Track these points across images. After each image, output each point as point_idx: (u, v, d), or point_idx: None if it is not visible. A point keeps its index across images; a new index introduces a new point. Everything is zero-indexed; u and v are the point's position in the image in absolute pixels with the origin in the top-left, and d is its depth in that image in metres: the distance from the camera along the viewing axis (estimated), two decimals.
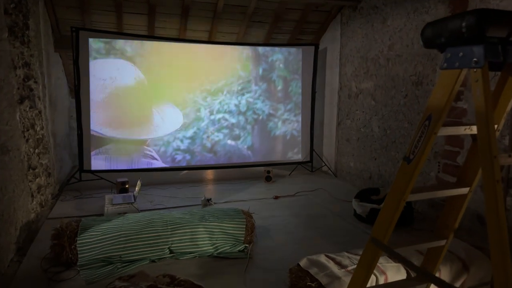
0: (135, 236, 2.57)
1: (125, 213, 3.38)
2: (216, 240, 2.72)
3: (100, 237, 2.53)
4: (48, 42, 4.18)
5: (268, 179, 4.79)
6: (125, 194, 3.79)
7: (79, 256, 2.45)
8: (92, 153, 4.43)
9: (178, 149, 4.82)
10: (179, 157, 4.83)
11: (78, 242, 2.47)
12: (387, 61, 4.09)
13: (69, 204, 3.83)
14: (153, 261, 2.56)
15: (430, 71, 3.51)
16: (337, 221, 3.42)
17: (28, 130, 3.23)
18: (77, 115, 4.28)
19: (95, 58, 4.31)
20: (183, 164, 4.87)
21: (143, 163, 4.64)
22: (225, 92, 4.91)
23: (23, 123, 3.09)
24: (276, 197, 4.11)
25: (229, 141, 5.05)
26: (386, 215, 1.22)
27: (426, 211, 3.57)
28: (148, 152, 4.65)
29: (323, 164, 5.41)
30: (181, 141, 4.83)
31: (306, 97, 5.20)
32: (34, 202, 3.33)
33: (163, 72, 4.63)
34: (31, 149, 3.28)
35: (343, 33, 4.90)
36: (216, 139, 4.98)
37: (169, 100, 4.70)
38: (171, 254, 2.61)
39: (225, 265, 2.56)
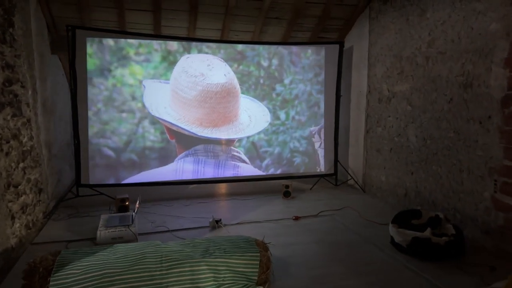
0: (122, 276, 2.07)
1: (121, 237, 2.94)
2: (223, 280, 2.18)
3: (78, 277, 2.03)
4: (42, 43, 3.76)
5: (286, 194, 4.23)
6: (123, 214, 3.31)
7: None
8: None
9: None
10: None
11: (51, 284, 1.98)
12: (426, 60, 3.50)
13: (61, 224, 3.38)
14: None
15: (483, 70, 2.90)
16: (371, 251, 2.84)
17: (8, 142, 2.79)
18: (73, 123, 3.85)
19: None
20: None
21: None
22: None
23: (0, 134, 2.65)
24: (296, 218, 3.55)
25: None
26: None
27: (479, 239, 2.95)
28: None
29: (349, 177, 4.82)
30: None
31: (330, 101, 4.63)
32: (18, 225, 2.88)
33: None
34: (12, 164, 2.84)
35: (372, 30, 4.32)
36: None
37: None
38: None
39: None
